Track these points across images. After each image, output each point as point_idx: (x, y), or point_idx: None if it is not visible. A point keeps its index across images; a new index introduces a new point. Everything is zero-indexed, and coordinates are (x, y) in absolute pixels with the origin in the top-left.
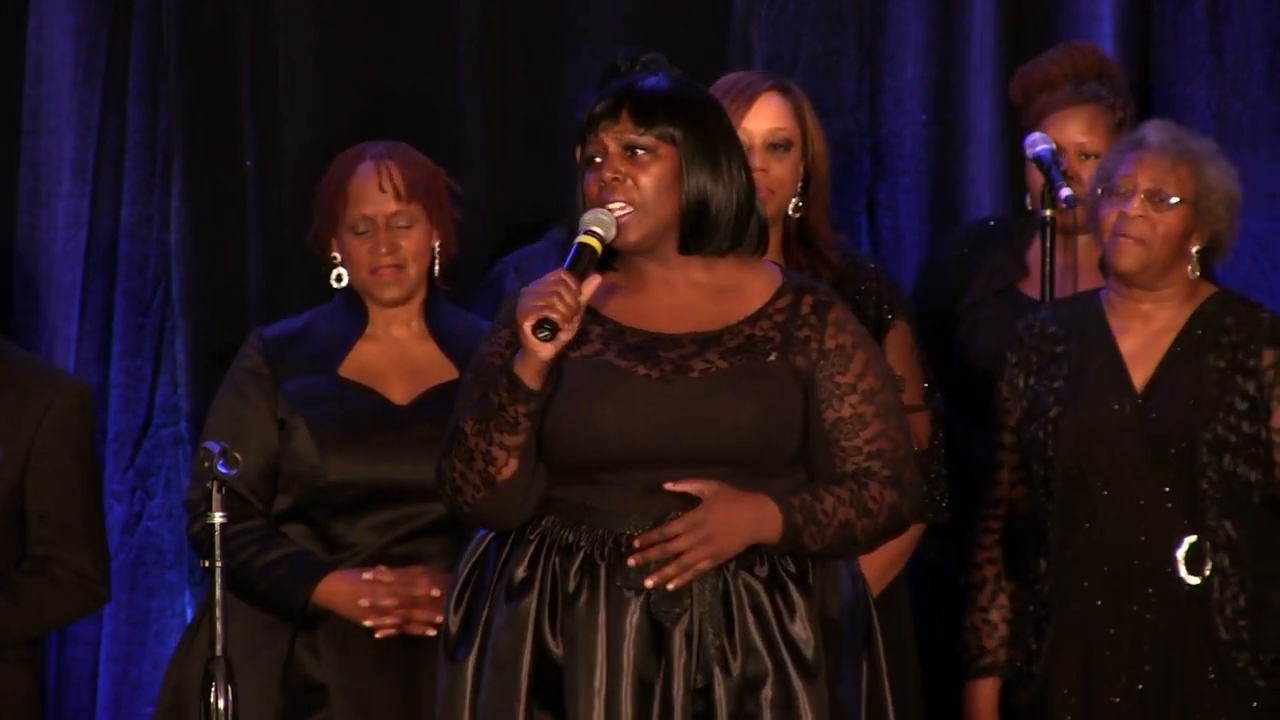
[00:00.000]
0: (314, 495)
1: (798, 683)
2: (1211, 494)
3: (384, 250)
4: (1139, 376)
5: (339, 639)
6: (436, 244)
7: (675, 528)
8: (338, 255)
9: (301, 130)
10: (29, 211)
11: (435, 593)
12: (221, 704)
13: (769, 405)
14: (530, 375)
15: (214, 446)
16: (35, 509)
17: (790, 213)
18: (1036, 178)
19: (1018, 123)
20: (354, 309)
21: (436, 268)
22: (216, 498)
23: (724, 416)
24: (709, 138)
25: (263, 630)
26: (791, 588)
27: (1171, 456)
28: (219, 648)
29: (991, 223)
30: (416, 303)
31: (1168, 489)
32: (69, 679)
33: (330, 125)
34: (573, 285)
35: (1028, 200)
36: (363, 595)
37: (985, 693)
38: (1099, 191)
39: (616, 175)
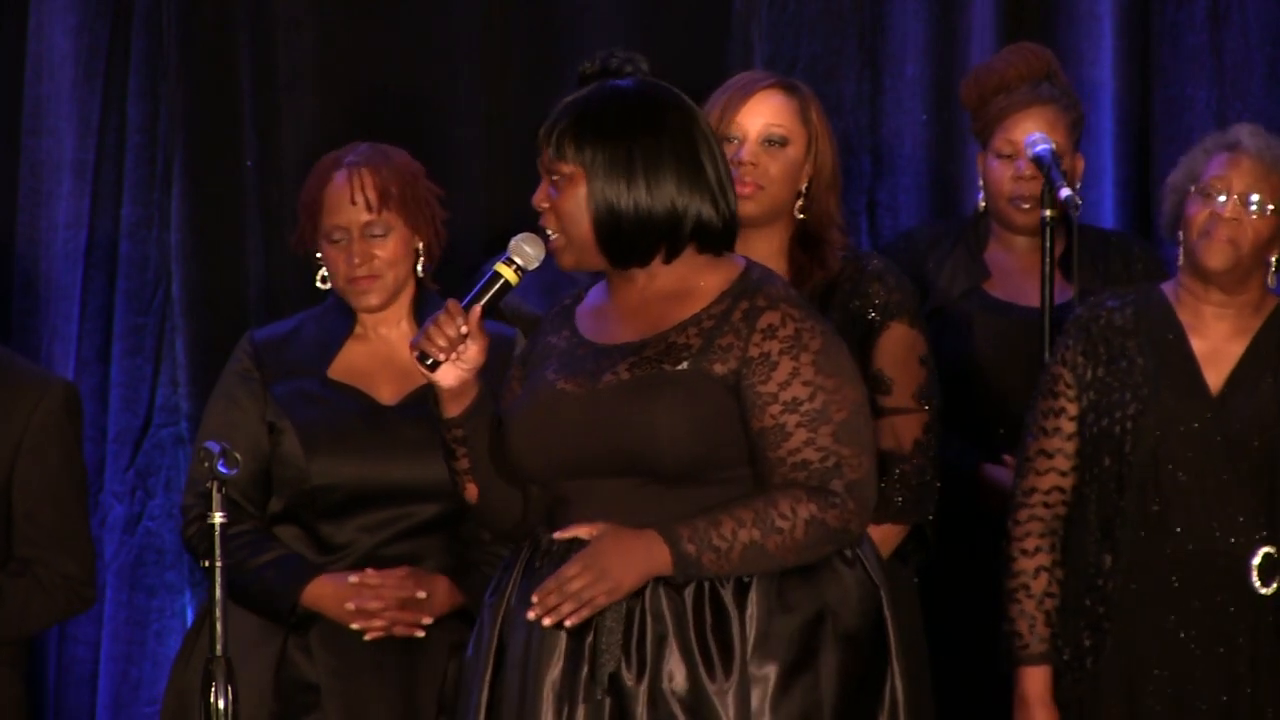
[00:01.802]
0: (303, 498)
1: (715, 692)
2: None
3: (357, 261)
4: (1212, 379)
5: (331, 640)
6: (420, 244)
7: (570, 570)
8: (321, 256)
9: (301, 130)
10: (29, 211)
11: (421, 594)
12: (221, 704)
13: (671, 415)
14: (442, 403)
15: (214, 446)
16: (21, 510)
17: (796, 214)
18: (996, 176)
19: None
20: (343, 310)
21: (420, 268)
22: (217, 498)
23: (621, 428)
24: (619, 150)
25: (256, 631)
26: (725, 597)
27: (1249, 463)
28: (219, 648)
29: (939, 226)
30: (405, 303)
31: (1246, 496)
32: (69, 679)
33: (330, 125)
34: (457, 317)
35: (980, 200)
36: (348, 598)
37: (1039, 680)
38: (1190, 190)
39: (542, 204)
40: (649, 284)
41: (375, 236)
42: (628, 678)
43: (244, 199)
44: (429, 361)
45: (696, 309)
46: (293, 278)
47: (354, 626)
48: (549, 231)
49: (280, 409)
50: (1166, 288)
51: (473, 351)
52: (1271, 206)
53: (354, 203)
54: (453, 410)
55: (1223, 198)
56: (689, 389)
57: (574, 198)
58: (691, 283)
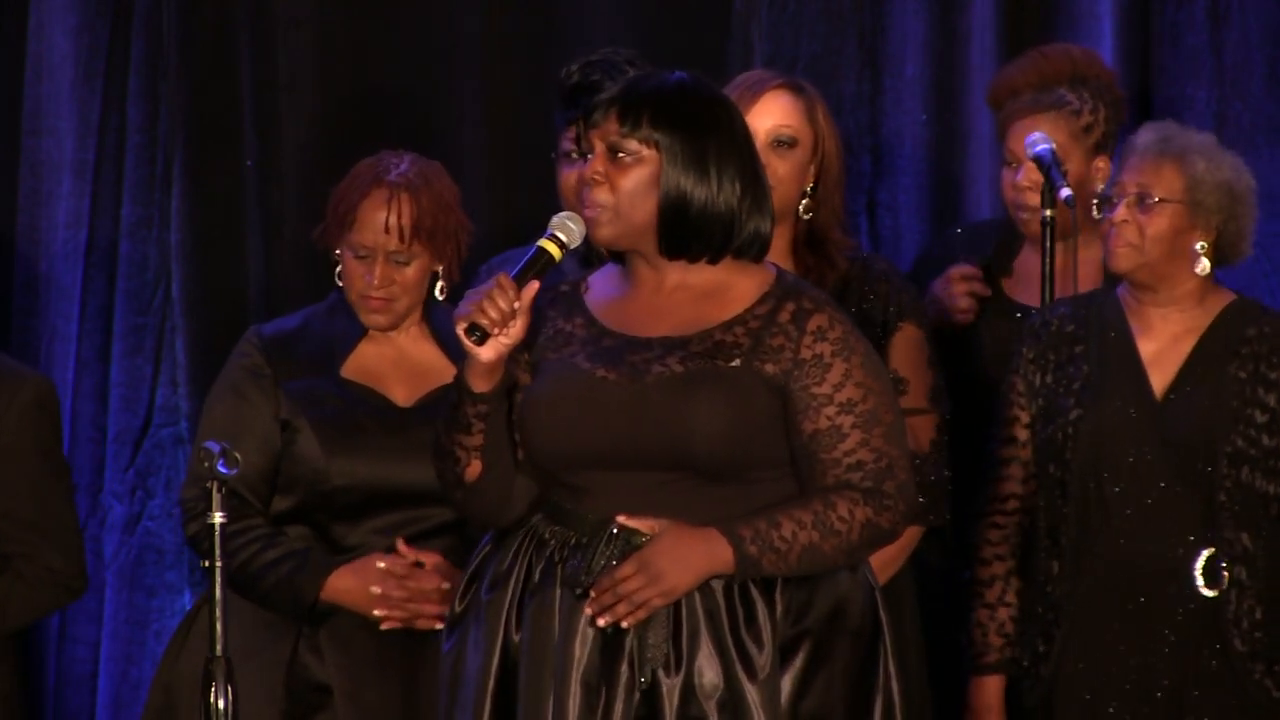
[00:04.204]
0: (318, 498)
1: (748, 688)
2: (1229, 506)
3: (376, 283)
4: (1158, 381)
5: (342, 640)
6: (439, 268)
7: (625, 570)
8: (340, 259)
9: (301, 130)
10: (29, 211)
11: (446, 586)
12: (221, 704)
13: (724, 411)
14: (474, 377)
15: (214, 446)
16: (0, 509)
17: (801, 214)
18: (1003, 184)
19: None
20: (351, 310)
21: (439, 290)
22: (216, 498)
23: (674, 421)
24: (698, 143)
25: (262, 630)
26: (754, 593)
27: (1189, 466)
28: (219, 648)
29: (982, 225)
30: (416, 310)
31: (1185, 499)
32: (69, 679)
33: (330, 125)
34: (509, 290)
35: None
36: (374, 583)
37: (990, 690)
38: (1094, 203)
39: (597, 176)
40: (682, 280)
41: (399, 263)
42: (660, 673)
43: (244, 199)
44: (477, 334)
45: (739, 309)
46: (293, 278)
47: (375, 613)
48: (589, 205)
49: (295, 407)
50: (1120, 291)
51: (518, 328)
52: (1159, 197)
53: (387, 231)
54: (483, 386)
55: (1118, 202)
56: (741, 386)
57: (639, 177)
58: (727, 283)
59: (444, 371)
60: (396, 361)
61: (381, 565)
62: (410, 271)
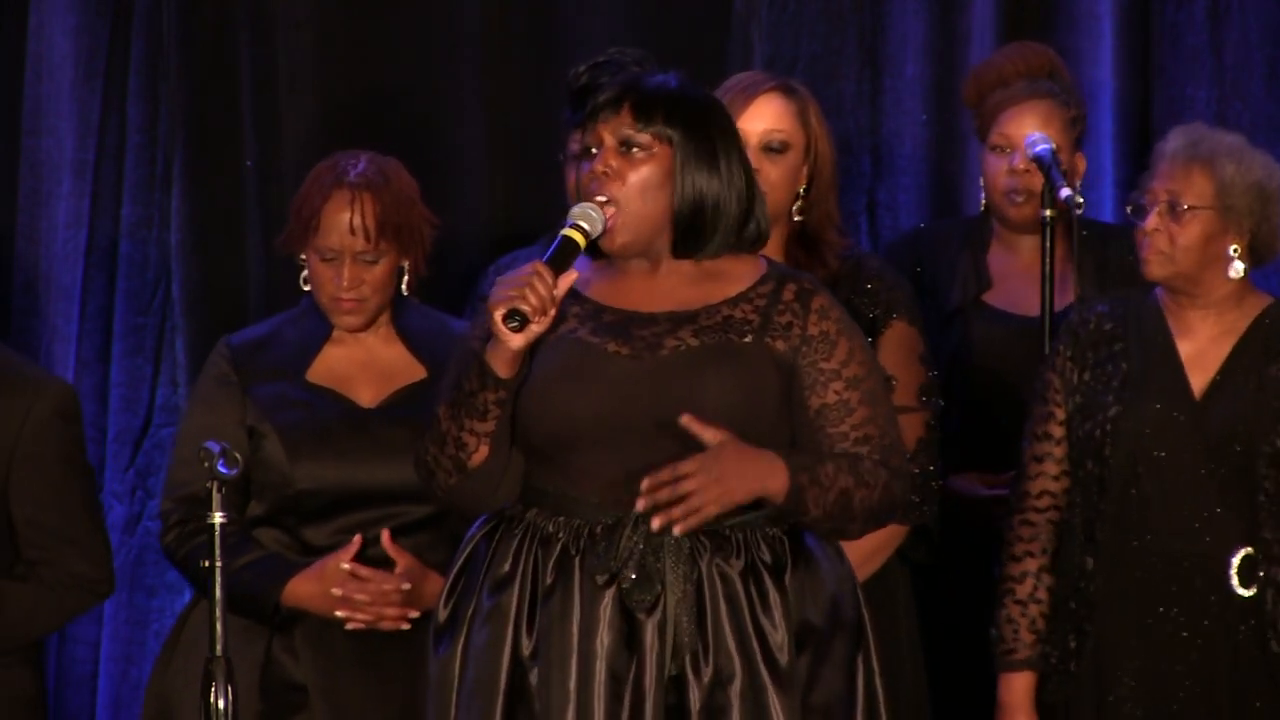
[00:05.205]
0: (285, 502)
1: (768, 679)
2: (1267, 506)
3: (346, 285)
4: (1197, 382)
5: (316, 639)
6: (406, 263)
7: (687, 467)
8: (307, 264)
9: (301, 130)
10: (29, 211)
11: (406, 586)
12: (221, 704)
13: (739, 385)
14: (500, 364)
15: (214, 446)
16: (21, 515)
17: (793, 215)
18: (992, 171)
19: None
20: (320, 313)
21: (405, 285)
22: (216, 498)
23: (691, 394)
24: (709, 140)
25: (240, 634)
26: (767, 579)
27: (1228, 466)
28: (219, 648)
29: (945, 225)
30: (385, 309)
31: (1223, 499)
32: (69, 679)
33: (330, 125)
34: (548, 278)
35: (983, 200)
36: (335, 585)
37: (1021, 686)
38: (1128, 210)
39: (607, 169)
40: (673, 265)
41: (367, 262)
42: (687, 661)
43: (244, 199)
44: (517, 320)
45: (742, 287)
46: (293, 278)
47: (338, 614)
48: (601, 199)
49: (261, 412)
50: (1159, 292)
51: (549, 317)
52: (1192, 205)
53: (353, 233)
54: (507, 372)
55: (1149, 210)
56: (752, 361)
57: (651, 172)
58: (722, 268)
59: (409, 371)
60: (365, 363)
61: (345, 567)
62: (378, 270)
